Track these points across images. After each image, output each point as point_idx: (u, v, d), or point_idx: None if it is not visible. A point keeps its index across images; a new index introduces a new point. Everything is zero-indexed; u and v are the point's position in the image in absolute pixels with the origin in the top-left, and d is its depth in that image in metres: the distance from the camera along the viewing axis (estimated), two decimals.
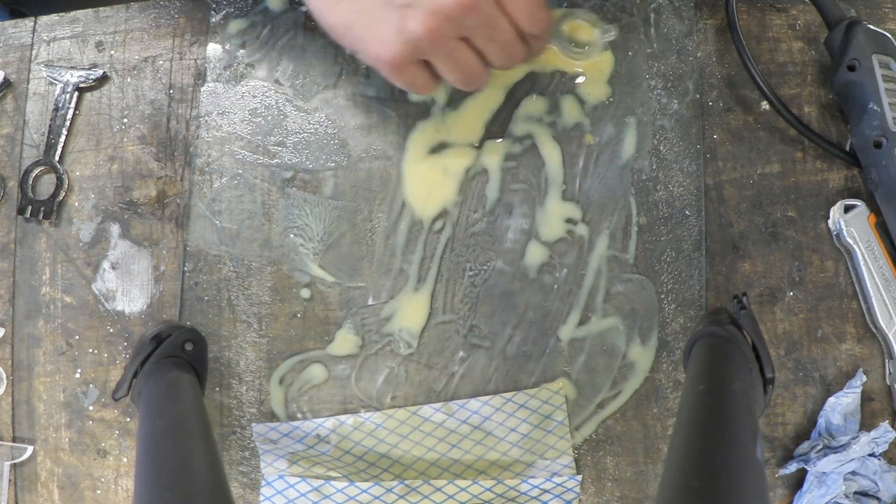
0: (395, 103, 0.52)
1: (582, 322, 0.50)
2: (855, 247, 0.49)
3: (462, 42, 0.41)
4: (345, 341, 0.50)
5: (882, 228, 0.49)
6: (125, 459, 0.50)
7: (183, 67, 0.53)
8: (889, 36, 0.48)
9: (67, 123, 0.52)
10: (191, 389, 0.43)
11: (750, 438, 0.33)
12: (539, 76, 0.51)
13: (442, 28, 0.39)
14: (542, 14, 0.43)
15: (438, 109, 0.51)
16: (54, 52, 0.53)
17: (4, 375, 0.51)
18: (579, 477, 0.48)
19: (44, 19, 0.54)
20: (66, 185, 0.52)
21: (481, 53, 0.42)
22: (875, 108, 0.47)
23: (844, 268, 0.50)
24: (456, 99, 0.51)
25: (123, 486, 0.49)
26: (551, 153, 0.51)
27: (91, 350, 0.51)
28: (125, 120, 0.53)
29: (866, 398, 0.49)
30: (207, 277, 0.51)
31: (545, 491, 0.48)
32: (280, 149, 0.52)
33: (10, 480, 0.50)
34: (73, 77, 0.52)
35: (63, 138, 0.52)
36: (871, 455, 0.46)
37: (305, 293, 0.51)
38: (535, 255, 0.50)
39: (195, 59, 0.52)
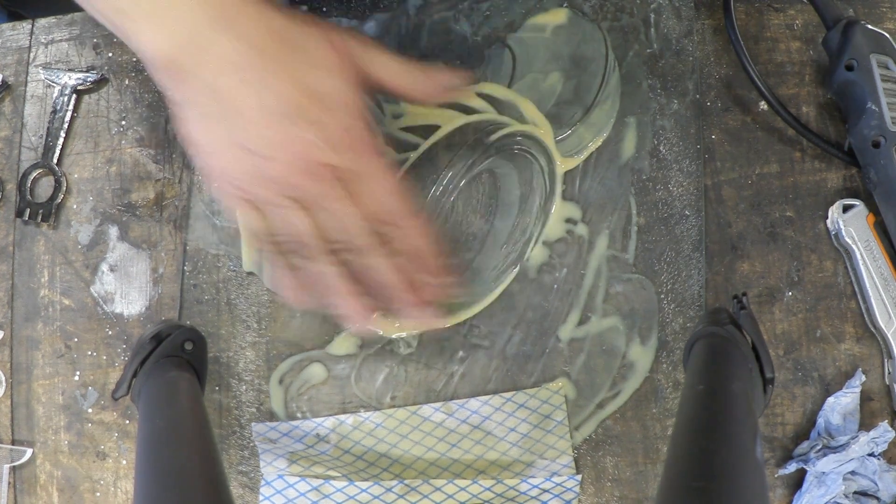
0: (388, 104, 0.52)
1: (581, 322, 0.50)
2: (854, 246, 0.49)
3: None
4: (344, 341, 0.50)
5: (881, 228, 0.49)
6: (124, 462, 0.50)
7: None
8: (887, 35, 0.48)
9: (65, 126, 0.52)
10: (190, 389, 0.43)
11: (750, 438, 0.33)
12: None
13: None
14: (400, 208, 0.39)
15: None
16: (52, 55, 0.53)
17: (3, 378, 0.51)
18: (579, 477, 0.48)
19: (41, 22, 0.54)
20: (65, 188, 0.52)
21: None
22: (873, 107, 0.47)
23: (843, 268, 0.50)
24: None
25: (123, 488, 0.49)
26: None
27: (90, 352, 0.51)
28: (123, 122, 0.53)
29: (865, 398, 0.49)
30: (207, 278, 0.51)
31: (545, 491, 0.48)
32: None
33: (9, 483, 0.50)
34: (71, 79, 0.52)
35: (61, 141, 0.52)
36: (871, 455, 0.46)
37: None
38: (535, 255, 0.50)
39: None
